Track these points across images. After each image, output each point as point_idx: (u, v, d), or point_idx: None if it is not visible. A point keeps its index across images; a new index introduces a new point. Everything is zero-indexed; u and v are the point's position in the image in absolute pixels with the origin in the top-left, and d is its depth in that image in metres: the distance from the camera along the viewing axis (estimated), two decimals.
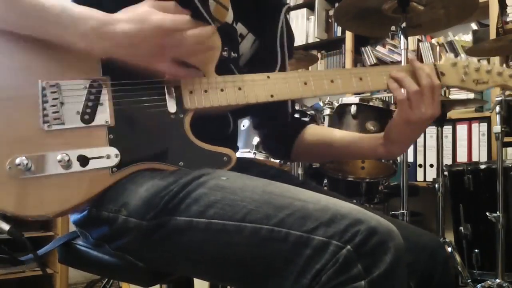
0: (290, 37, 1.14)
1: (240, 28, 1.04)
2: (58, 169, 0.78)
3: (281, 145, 1.19)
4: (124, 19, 0.80)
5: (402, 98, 0.95)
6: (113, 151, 0.81)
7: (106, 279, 2.31)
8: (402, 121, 0.98)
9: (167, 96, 0.86)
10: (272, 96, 0.91)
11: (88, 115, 0.81)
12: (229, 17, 1.00)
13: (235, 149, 1.09)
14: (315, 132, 1.17)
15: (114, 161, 0.81)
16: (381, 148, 1.04)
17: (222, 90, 0.88)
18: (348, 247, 0.63)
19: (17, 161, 0.76)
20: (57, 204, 0.79)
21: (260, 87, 0.90)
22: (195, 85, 0.87)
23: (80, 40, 0.80)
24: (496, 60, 2.52)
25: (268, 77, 0.92)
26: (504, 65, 1.05)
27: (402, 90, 0.96)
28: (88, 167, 0.80)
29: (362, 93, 2.25)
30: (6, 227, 0.87)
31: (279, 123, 1.15)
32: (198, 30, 0.83)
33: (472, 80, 1.02)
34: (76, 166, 0.79)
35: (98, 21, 0.79)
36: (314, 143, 1.15)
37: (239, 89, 0.89)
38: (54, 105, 0.80)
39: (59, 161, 0.78)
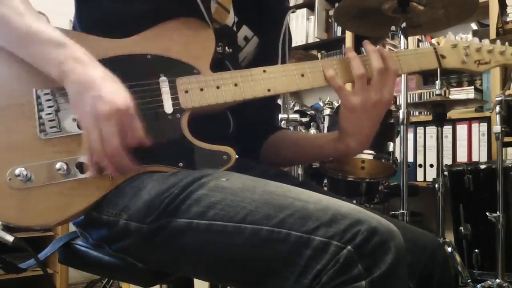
0: (290, 39, 1.14)
1: (245, 31, 1.04)
2: (58, 178, 0.78)
3: (251, 144, 1.15)
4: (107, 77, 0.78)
5: (336, 86, 0.90)
6: None
7: (106, 279, 2.31)
8: (346, 109, 0.92)
9: (163, 96, 0.85)
10: (269, 90, 0.89)
11: None
12: (230, 19, 1.00)
13: (238, 149, 1.08)
14: (284, 136, 1.14)
15: None
16: (339, 144, 0.98)
17: (218, 87, 0.87)
18: (349, 247, 0.63)
19: (17, 171, 0.76)
20: (58, 213, 0.79)
21: (256, 82, 0.89)
22: (191, 84, 0.86)
23: (57, 67, 0.78)
24: None
25: (264, 71, 0.90)
26: (507, 43, 1.02)
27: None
28: (87, 174, 0.79)
29: None
30: (10, 238, 0.87)
31: (251, 121, 1.12)
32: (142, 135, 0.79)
33: (474, 61, 0.99)
34: (75, 174, 0.79)
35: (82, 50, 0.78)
36: (282, 147, 1.11)
37: (235, 85, 0.88)
38: (49, 113, 0.80)
39: (58, 170, 0.78)
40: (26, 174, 0.76)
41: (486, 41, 1.01)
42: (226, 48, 0.98)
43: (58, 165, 0.78)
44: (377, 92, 0.90)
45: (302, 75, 0.91)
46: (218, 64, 0.92)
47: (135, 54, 0.87)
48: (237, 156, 0.87)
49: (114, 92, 0.76)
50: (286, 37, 1.08)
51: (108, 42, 0.87)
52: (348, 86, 0.93)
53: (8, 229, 0.86)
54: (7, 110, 0.79)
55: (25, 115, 0.79)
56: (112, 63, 0.83)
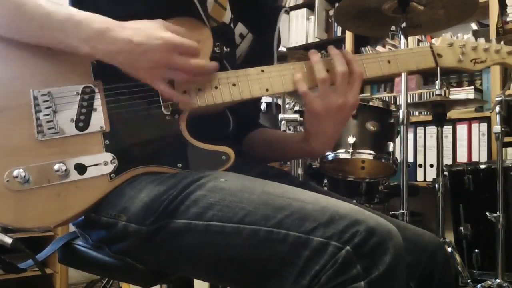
0: (279, 39, 1.14)
1: (241, 28, 1.04)
2: (56, 179, 0.78)
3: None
4: (131, 27, 0.79)
5: (301, 91, 0.89)
6: (110, 157, 0.81)
7: (106, 279, 2.31)
8: (309, 113, 0.92)
9: (161, 97, 0.85)
10: (267, 90, 0.89)
11: (82, 122, 0.81)
12: (227, 17, 1.00)
13: (238, 148, 1.08)
14: (261, 132, 1.14)
15: (112, 167, 0.81)
16: (305, 144, 0.97)
17: (216, 87, 0.87)
18: (347, 247, 0.63)
19: (15, 173, 0.76)
20: (57, 215, 0.79)
21: (254, 82, 0.89)
22: (189, 85, 0.86)
23: (84, 44, 0.79)
24: None
25: (262, 70, 0.90)
26: (502, 42, 1.03)
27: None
28: (86, 175, 0.79)
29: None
30: (8, 240, 0.87)
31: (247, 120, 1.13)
32: (203, 62, 0.83)
33: (470, 60, 1.00)
34: (74, 175, 0.79)
35: (103, 24, 0.79)
36: (257, 145, 1.11)
37: (234, 85, 0.88)
38: (47, 114, 0.79)
39: (57, 171, 0.78)
40: (24, 176, 0.76)
41: (481, 40, 1.02)
42: (224, 47, 0.98)
43: (56, 167, 0.78)
44: (341, 95, 0.89)
45: None
46: None
47: None
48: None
49: (150, 38, 0.78)
50: (279, 35, 1.09)
51: None
52: None
53: (7, 230, 0.86)
54: (4, 111, 0.79)
55: (22, 116, 0.79)
56: (108, 66, 0.82)
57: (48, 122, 0.79)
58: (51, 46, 0.80)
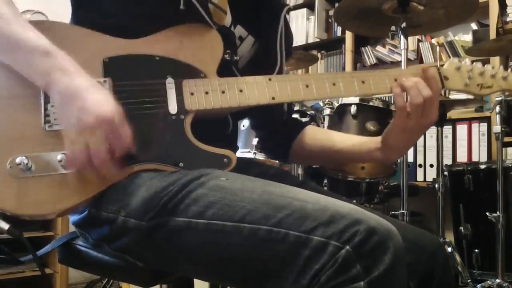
0: (289, 37, 1.14)
1: (240, 30, 1.04)
2: (59, 169, 0.79)
3: (279, 147, 1.18)
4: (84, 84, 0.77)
5: (402, 105, 0.94)
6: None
7: (106, 279, 2.31)
8: (400, 129, 0.97)
9: (168, 97, 0.86)
10: (273, 98, 0.91)
11: None
12: (227, 20, 1.00)
13: (235, 149, 1.09)
14: (314, 134, 1.16)
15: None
16: (378, 153, 1.03)
17: (223, 92, 0.88)
18: (347, 247, 0.63)
19: (18, 160, 0.77)
20: (56, 204, 0.79)
21: (261, 89, 0.90)
22: (197, 87, 0.87)
23: (43, 77, 0.78)
24: (496, 60, 2.52)
25: (270, 79, 0.91)
26: (510, 70, 1.03)
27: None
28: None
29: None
30: (5, 226, 0.87)
31: (276, 124, 1.15)
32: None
33: (476, 84, 1.01)
34: None
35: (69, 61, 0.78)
36: (314, 146, 1.13)
37: (241, 91, 0.89)
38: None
39: (60, 161, 0.78)
40: (27, 163, 0.77)
41: (488, 67, 1.03)
42: (234, 56, 0.99)
43: (59, 157, 0.78)
44: (428, 116, 0.94)
45: (307, 86, 0.93)
46: (225, 70, 0.93)
47: (143, 55, 0.88)
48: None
49: (99, 102, 0.75)
50: (283, 35, 1.08)
51: (115, 41, 0.87)
52: None
53: (5, 218, 0.86)
54: (14, 99, 0.80)
55: (30, 105, 0.80)
56: (119, 62, 0.84)
57: (55, 113, 0.80)
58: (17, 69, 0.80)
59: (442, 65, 1.02)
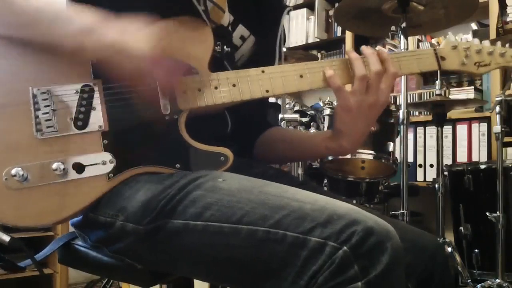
0: (285, 39, 1.14)
1: (242, 30, 1.04)
2: (55, 178, 0.78)
3: (246, 142, 1.14)
4: (117, 29, 0.79)
5: (335, 86, 0.90)
6: (108, 156, 0.81)
7: (106, 279, 2.31)
8: (341, 109, 0.92)
9: (160, 97, 0.85)
10: (267, 91, 0.89)
11: (81, 121, 0.81)
12: (225, 19, 1.00)
13: (242, 149, 1.08)
14: (277, 131, 1.13)
15: (110, 166, 0.81)
16: (332, 143, 0.98)
17: (216, 88, 0.87)
18: (345, 248, 0.63)
19: (13, 171, 0.76)
20: (56, 213, 0.79)
21: (254, 83, 0.88)
22: (189, 84, 0.86)
23: (72, 39, 0.78)
24: None
25: (263, 71, 0.89)
26: (507, 45, 1.01)
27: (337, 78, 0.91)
28: (84, 175, 0.79)
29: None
30: (6, 238, 0.87)
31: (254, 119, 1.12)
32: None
33: (474, 63, 0.99)
34: (72, 174, 0.79)
35: (89, 22, 0.79)
36: (274, 141, 1.11)
37: (234, 86, 0.87)
38: (46, 113, 0.79)
39: (55, 170, 0.78)
40: (23, 174, 0.76)
41: (486, 43, 1.00)
42: (225, 47, 0.98)
43: (54, 165, 0.78)
44: (374, 94, 0.90)
45: (301, 76, 0.91)
46: (216, 64, 0.92)
47: None
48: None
49: (139, 42, 0.77)
50: (282, 36, 1.08)
51: None
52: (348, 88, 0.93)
53: (6, 228, 0.86)
54: (3, 109, 0.79)
55: (21, 114, 0.79)
56: (108, 65, 0.82)
57: (47, 120, 0.79)
58: (39, 43, 0.80)
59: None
